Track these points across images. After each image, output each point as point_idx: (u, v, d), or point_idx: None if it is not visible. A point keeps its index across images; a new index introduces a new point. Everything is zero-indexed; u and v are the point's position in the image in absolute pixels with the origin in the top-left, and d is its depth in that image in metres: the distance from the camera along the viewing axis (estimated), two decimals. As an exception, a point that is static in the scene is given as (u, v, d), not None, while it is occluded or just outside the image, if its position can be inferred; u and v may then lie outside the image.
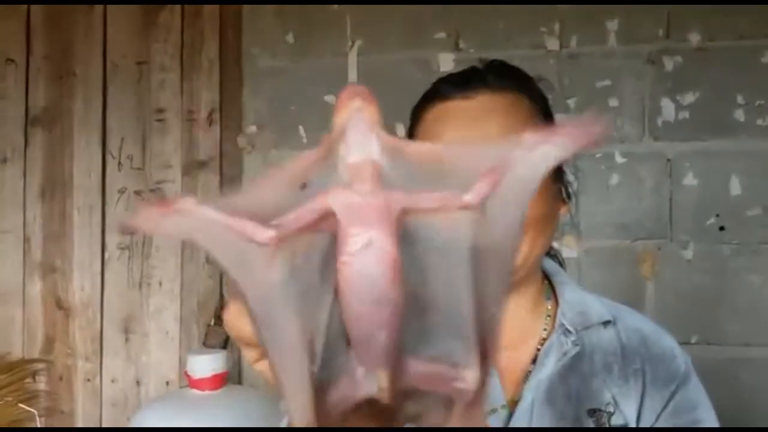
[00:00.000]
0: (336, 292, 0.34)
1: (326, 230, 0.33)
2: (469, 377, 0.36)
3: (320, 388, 0.35)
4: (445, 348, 0.36)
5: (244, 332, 0.42)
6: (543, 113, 0.94)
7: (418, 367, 0.36)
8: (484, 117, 0.87)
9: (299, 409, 0.34)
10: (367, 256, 0.33)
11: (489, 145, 0.37)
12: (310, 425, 0.34)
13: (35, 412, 1.59)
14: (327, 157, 0.34)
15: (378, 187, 0.33)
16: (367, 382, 0.35)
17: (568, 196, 0.99)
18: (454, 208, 0.34)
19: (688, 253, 1.86)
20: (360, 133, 0.34)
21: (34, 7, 2.17)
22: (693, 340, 1.83)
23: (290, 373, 0.34)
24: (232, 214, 0.33)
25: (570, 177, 1.01)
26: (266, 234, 0.33)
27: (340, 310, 0.34)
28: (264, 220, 0.33)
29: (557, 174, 0.96)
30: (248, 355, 0.45)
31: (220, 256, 0.34)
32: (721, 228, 1.84)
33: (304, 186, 0.34)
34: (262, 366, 0.43)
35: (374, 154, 0.34)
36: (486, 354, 0.36)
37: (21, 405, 1.65)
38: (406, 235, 0.34)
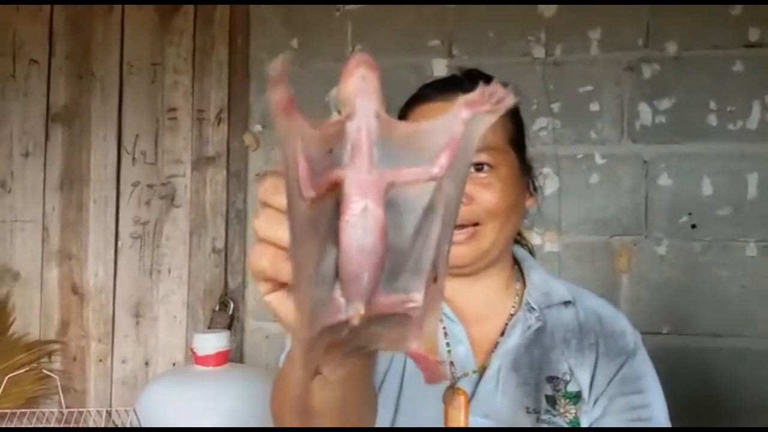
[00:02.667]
0: (335, 241, 0.44)
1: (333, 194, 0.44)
2: (417, 298, 0.46)
3: (314, 306, 0.45)
4: (404, 282, 0.46)
5: (261, 268, 0.50)
6: (511, 114, 1.03)
7: (382, 299, 0.46)
8: None
9: (307, 323, 0.45)
10: (363, 219, 0.43)
11: (441, 120, 0.44)
12: (311, 343, 0.45)
13: (56, 377, 1.67)
14: (342, 128, 0.43)
15: (373, 164, 0.43)
16: (346, 309, 0.45)
17: (535, 189, 1.08)
18: (425, 180, 0.44)
19: (662, 249, 1.91)
20: (363, 102, 0.42)
21: (57, 12, 2.24)
22: (665, 331, 1.89)
23: (302, 286, 0.45)
24: (303, 154, 0.42)
25: (537, 172, 1.09)
26: (310, 192, 0.42)
27: (335, 254, 0.44)
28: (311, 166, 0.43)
29: (525, 168, 1.05)
30: (261, 288, 0.52)
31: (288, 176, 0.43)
32: (693, 226, 1.90)
33: (330, 151, 0.43)
34: (271, 298, 0.52)
35: (372, 124, 0.42)
36: (435, 278, 0.46)
37: (45, 371, 1.74)
38: (388, 201, 0.44)
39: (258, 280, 0.52)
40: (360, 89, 0.43)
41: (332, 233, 0.44)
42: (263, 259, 0.50)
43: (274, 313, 0.53)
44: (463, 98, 0.43)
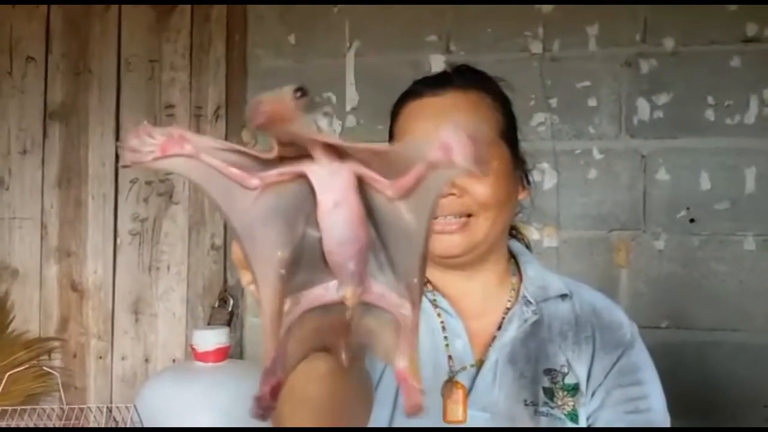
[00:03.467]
0: (320, 226, 0.46)
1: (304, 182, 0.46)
2: (406, 307, 0.48)
3: (303, 286, 0.48)
4: (393, 281, 0.48)
5: (241, 257, 0.51)
6: (503, 108, 1.04)
7: (374, 287, 0.48)
8: (452, 111, 0.99)
9: (267, 299, 0.47)
10: (335, 214, 0.45)
11: (410, 147, 0.46)
12: (274, 315, 0.47)
13: (57, 374, 1.67)
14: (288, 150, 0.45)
15: (337, 164, 0.45)
16: (337, 291, 0.48)
17: (528, 182, 1.08)
18: (382, 191, 0.46)
19: (660, 244, 1.92)
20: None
21: (53, 9, 2.23)
22: (663, 325, 1.90)
23: (262, 274, 0.47)
24: (226, 163, 0.45)
25: (532, 166, 1.09)
26: (253, 182, 0.45)
27: (318, 239, 0.46)
28: (248, 171, 0.45)
29: (518, 161, 1.05)
30: (244, 278, 0.54)
31: (211, 191, 0.45)
32: (692, 220, 1.90)
33: (281, 159, 0.45)
34: (254, 287, 0.52)
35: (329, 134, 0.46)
36: (413, 303, 0.48)
37: (45, 368, 1.74)
38: (366, 200, 0.46)
39: (240, 269, 0.53)
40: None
41: (312, 220, 0.46)
42: (238, 249, 0.51)
43: (256, 301, 0.54)
44: (441, 143, 0.43)
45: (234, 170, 0.45)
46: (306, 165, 0.45)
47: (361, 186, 0.46)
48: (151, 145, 0.44)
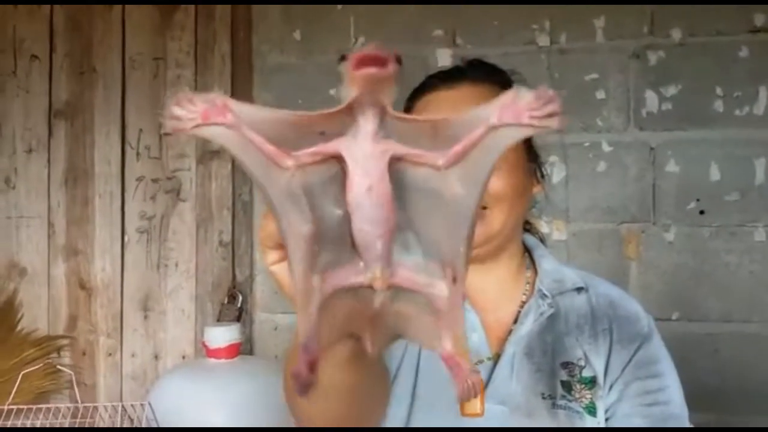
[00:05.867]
0: (348, 204, 0.46)
1: (337, 163, 0.46)
2: (438, 287, 0.48)
3: (329, 266, 0.47)
4: (421, 261, 0.48)
5: (270, 232, 0.52)
6: None
7: (402, 269, 0.48)
8: (464, 104, 0.98)
9: (300, 275, 0.47)
10: (369, 196, 0.45)
11: (468, 116, 0.45)
12: (308, 291, 0.47)
13: (72, 373, 1.67)
14: (345, 114, 0.45)
15: (377, 143, 0.45)
16: (365, 272, 0.47)
17: (542, 175, 1.08)
18: (427, 164, 0.46)
19: (670, 236, 1.91)
20: (367, 94, 0.43)
21: (57, 7, 2.23)
22: (674, 317, 1.90)
23: (294, 249, 0.47)
24: (264, 138, 0.45)
25: (544, 159, 1.09)
26: (288, 162, 0.45)
27: (347, 219, 0.46)
28: (286, 146, 0.45)
29: (532, 154, 1.05)
30: (268, 257, 0.55)
31: (248, 163, 0.45)
32: (701, 212, 1.90)
33: (322, 133, 0.45)
34: (277, 268, 0.55)
35: (375, 109, 0.44)
36: (455, 279, 0.47)
37: (59, 366, 1.74)
38: (397, 179, 0.46)
39: (266, 248, 0.54)
40: (367, 89, 0.44)
41: (339, 200, 0.46)
42: (272, 223, 0.51)
43: (277, 283, 0.56)
44: (500, 101, 0.43)
45: (270, 148, 0.45)
46: (343, 146, 0.45)
47: (392, 166, 0.46)
48: (193, 112, 0.44)
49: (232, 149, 0.45)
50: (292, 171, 0.45)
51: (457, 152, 0.44)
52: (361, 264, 0.47)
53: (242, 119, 0.44)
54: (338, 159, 0.45)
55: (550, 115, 0.41)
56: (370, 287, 0.47)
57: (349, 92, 0.43)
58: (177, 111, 0.44)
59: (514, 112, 0.42)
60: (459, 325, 0.47)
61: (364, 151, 0.44)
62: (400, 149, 0.45)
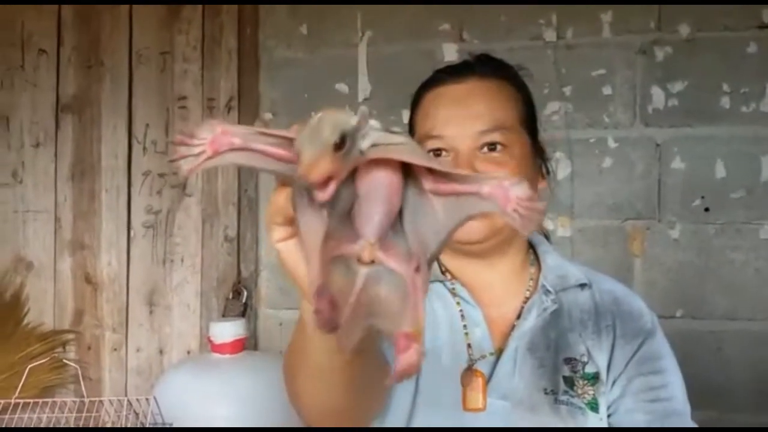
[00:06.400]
0: (358, 190, 0.49)
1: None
2: (423, 269, 0.51)
3: (332, 232, 0.50)
4: (406, 246, 0.51)
5: (282, 209, 0.54)
6: (523, 96, 1.05)
7: (392, 248, 0.50)
8: (472, 98, 0.99)
9: (311, 232, 0.50)
10: (380, 177, 0.49)
11: (474, 175, 0.51)
12: (318, 248, 0.50)
13: (77, 367, 1.68)
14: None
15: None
16: (359, 245, 0.50)
17: (547, 171, 1.09)
18: (420, 182, 0.50)
19: (675, 233, 1.91)
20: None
21: (65, 4, 2.23)
22: (678, 314, 1.89)
23: (309, 215, 0.50)
24: (270, 145, 0.48)
25: (549, 155, 1.09)
26: (324, 195, 0.47)
27: (358, 202, 0.49)
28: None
29: (537, 150, 1.06)
30: (275, 234, 0.56)
31: (268, 168, 0.49)
32: (707, 209, 1.90)
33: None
34: (283, 246, 0.56)
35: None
36: (418, 267, 0.51)
37: (65, 361, 1.75)
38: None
39: (274, 224, 0.56)
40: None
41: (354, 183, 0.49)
42: (282, 196, 0.53)
43: (282, 261, 0.57)
44: (499, 179, 0.48)
45: (281, 152, 0.48)
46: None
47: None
48: (200, 146, 0.46)
49: (247, 164, 0.48)
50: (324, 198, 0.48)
51: (442, 189, 0.50)
52: (359, 239, 0.50)
53: (246, 137, 0.48)
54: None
55: (528, 219, 0.47)
56: (359, 261, 0.50)
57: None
58: (184, 150, 0.46)
59: (503, 197, 0.47)
60: (419, 310, 0.50)
61: (386, 137, 0.48)
62: (410, 158, 0.49)
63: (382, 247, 0.49)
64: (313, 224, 0.50)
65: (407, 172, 0.51)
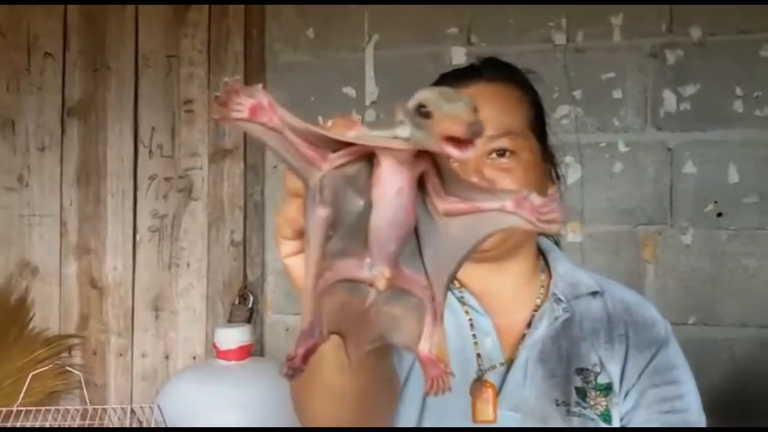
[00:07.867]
0: (369, 207, 0.48)
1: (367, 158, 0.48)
2: (438, 291, 0.51)
3: (337, 255, 0.49)
4: (420, 268, 0.51)
5: (293, 221, 0.53)
6: (531, 100, 1.03)
7: (405, 271, 0.50)
8: (480, 102, 0.97)
9: (313, 260, 0.49)
10: (395, 198, 0.48)
11: (490, 191, 0.53)
12: (317, 277, 0.49)
13: (80, 374, 1.67)
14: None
15: (412, 158, 0.48)
16: (369, 269, 0.49)
17: (557, 176, 1.07)
18: (434, 204, 0.50)
19: (688, 238, 1.89)
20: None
21: (71, 4, 2.23)
22: (691, 321, 1.87)
23: (313, 233, 0.49)
24: (302, 140, 0.47)
25: (559, 160, 1.08)
26: (324, 165, 0.48)
27: (368, 219, 0.48)
28: (316, 145, 0.48)
29: (547, 155, 1.04)
30: (283, 249, 0.55)
31: (285, 157, 0.48)
32: (719, 214, 1.88)
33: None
34: (292, 261, 0.55)
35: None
36: (434, 298, 0.51)
37: (68, 368, 1.74)
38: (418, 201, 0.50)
39: (283, 239, 0.55)
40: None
41: (362, 193, 0.49)
42: (292, 208, 0.52)
43: (290, 278, 0.56)
44: (515, 193, 0.48)
45: (309, 152, 0.48)
46: (380, 148, 0.48)
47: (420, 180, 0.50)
48: (239, 104, 0.46)
49: (272, 145, 0.48)
50: (325, 171, 0.48)
51: (461, 208, 0.49)
52: (368, 260, 0.49)
53: (285, 123, 0.47)
54: (370, 155, 0.48)
55: (551, 221, 0.48)
56: (370, 285, 0.49)
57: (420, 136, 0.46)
58: (224, 99, 0.46)
59: (529, 209, 0.48)
60: (438, 336, 0.50)
61: (401, 157, 0.47)
62: (431, 172, 0.49)
63: (397, 273, 0.49)
64: (316, 237, 0.49)
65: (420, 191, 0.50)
